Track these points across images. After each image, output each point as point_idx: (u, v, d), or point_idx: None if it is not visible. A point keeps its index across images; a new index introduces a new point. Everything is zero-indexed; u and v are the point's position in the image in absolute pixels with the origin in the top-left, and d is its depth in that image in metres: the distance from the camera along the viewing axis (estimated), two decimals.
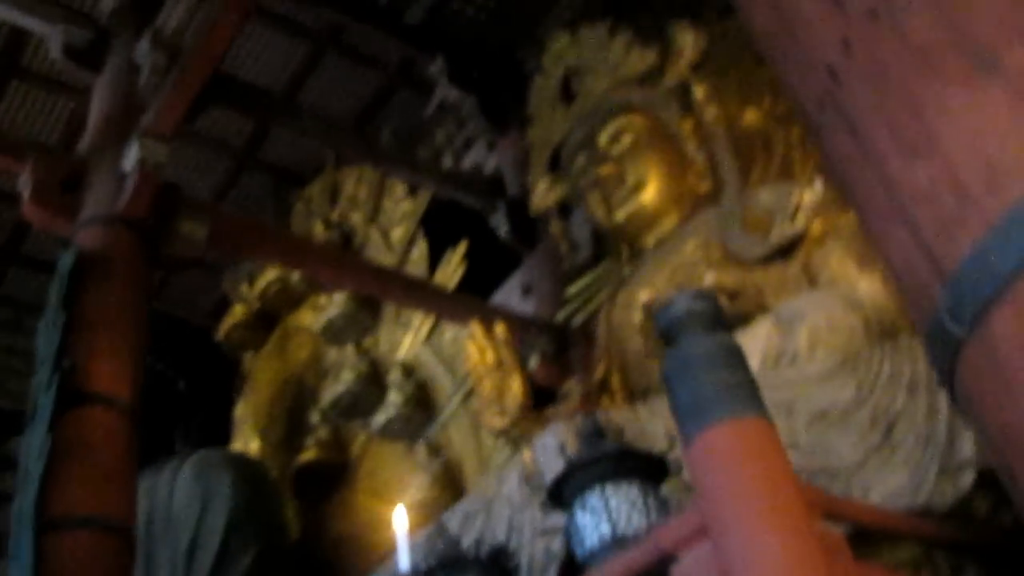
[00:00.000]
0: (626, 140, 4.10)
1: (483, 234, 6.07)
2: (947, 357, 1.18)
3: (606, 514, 1.86)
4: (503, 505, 2.47)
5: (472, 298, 5.25)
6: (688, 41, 4.11)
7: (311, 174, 7.80)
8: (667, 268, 3.86)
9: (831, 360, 2.55)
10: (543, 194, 4.51)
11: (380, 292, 4.99)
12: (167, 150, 4.25)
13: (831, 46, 1.37)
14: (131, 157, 4.18)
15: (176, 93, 4.26)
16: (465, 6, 6.08)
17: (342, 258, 5.01)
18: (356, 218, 7.20)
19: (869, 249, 3.54)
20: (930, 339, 1.22)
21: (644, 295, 3.36)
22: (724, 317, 1.55)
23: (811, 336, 2.75)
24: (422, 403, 6.28)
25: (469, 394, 6.08)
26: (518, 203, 5.73)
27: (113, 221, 4.10)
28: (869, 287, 3.42)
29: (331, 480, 6.49)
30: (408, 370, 6.41)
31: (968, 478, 2.17)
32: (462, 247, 6.10)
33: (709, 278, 3.17)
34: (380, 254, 6.97)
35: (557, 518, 2.24)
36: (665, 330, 1.57)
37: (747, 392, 1.44)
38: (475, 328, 3.88)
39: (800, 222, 3.46)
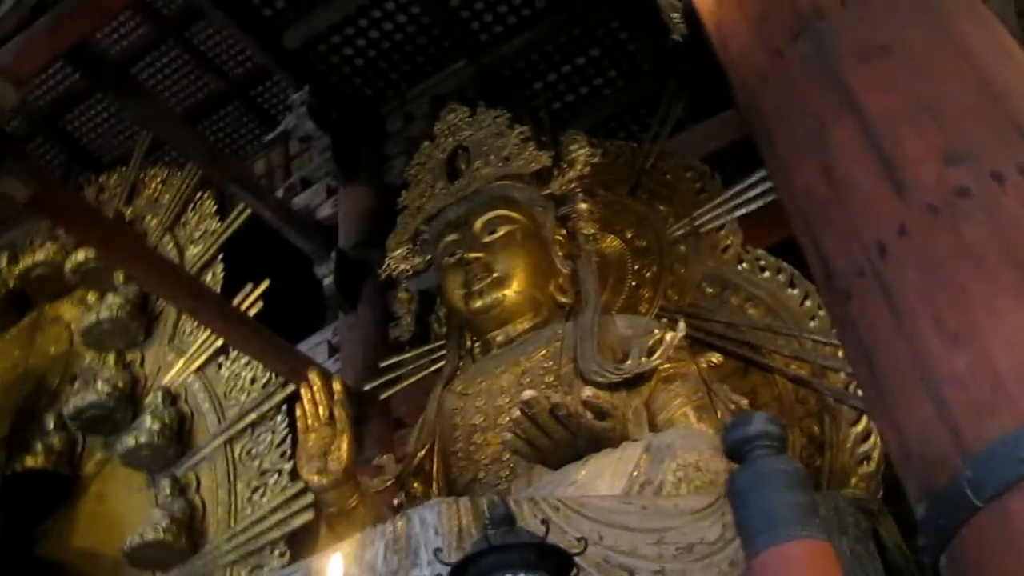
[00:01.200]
0: (502, 231, 4.27)
1: (285, 280, 6.03)
2: (954, 521, 1.41)
3: None
4: (363, 572, 2.50)
5: (285, 343, 5.21)
6: (582, 155, 4.39)
7: (109, 162, 7.52)
8: (515, 369, 4.02)
9: (702, 499, 2.79)
10: (399, 260, 4.60)
11: (192, 309, 4.85)
12: (17, 97, 4.06)
13: (885, 226, 1.61)
14: None
15: (47, 39, 4.09)
16: (344, 46, 6.17)
17: (161, 262, 4.84)
18: (152, 222, 6.92)
19: (708, 402, 3.88)
20: (938, 502, 1.44)
21: (521, 392, 3.48)
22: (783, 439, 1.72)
23: (680, 472, 2.99)
24: (178, 435, 6.05)
25: (234, 439, 5.93)
26: (349, 258, 5.79)
27: None
28: None
29: (51, 496, 6.08)
30: (171, 397, 6.18)
31: None
32: (263, 286, 6.02)
33: (586, 391, 3.35)
34: None
35: None
36: (735, 446, 1.72)
37: (814, 515, 1.61)
38: (314, 377, 3.88)
39: (657, 359, 3.74)
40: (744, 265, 4.52)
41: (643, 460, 3.02)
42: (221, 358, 6.21)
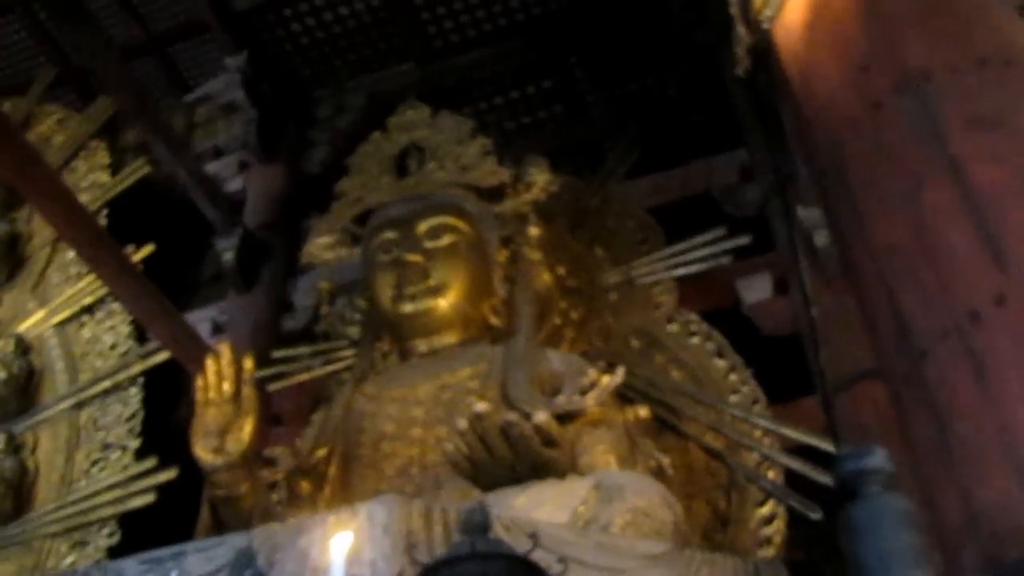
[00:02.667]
0: (445, 240, 4.21)
1: (167, 248, 5.79)
2: None
3: None
4: (295, 558, 2.38)
5: (175, 310, 4.96)
6: (541, 180, 4.37)
7: (2, 89, 7.10)
8: (436, 382, 3.94)
9: (656, 545, 2.76)
10: (322, 248, 4.47)
11: (90, 256, 4.56)
12: None
13: (981, 293, 1.64)
14: None
15: None
16: (293, 21, 6.02)
17: (69, 199, 4.57)
18: None
19: (629, 454, 3.87)
20: (1008, 574, 1.46)
21: (438, 407, 3.45)
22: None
23: (628, 515, 2.96)
24: (24, 390, 5.73)
25: (82, 405, 5.64)
26: (253, 238, 5.60)
27: None
28: None
29: None
30: (24, 347, 5.86)
31: None
32: (145, 250, 5.77)
33: (541, 416, 3.29)
34: None
35: None
36: (849, 477, 1.69)
37: (925, 556, 1.60)
38: (224, 349, 3.70)
39: (590, 400, 3.71)
40: (674, 326, 4.56)
41: (591, 496, 2.98)
42: (84, 317, 5.95)
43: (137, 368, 5.48)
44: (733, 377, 4.33)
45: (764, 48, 2.29)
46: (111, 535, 4.87)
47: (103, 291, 5.90)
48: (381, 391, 4.05)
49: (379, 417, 3.95)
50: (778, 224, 4.91)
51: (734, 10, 2.33)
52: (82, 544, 5.01)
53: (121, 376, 5.52)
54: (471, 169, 4.36)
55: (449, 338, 4.17)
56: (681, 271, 4.67)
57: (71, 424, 5.55)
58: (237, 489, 3.61)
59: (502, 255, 4.36)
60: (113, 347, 5.72)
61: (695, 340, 4.49)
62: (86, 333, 5.88)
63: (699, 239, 4.70)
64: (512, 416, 3.23)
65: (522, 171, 4.39)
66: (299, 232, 5.87)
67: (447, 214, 4.27)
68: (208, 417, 3.61)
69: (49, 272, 6.25)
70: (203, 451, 3.57)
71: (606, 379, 3.78)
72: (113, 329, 5.81)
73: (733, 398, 4.27)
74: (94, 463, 5.32)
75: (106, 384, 5.54)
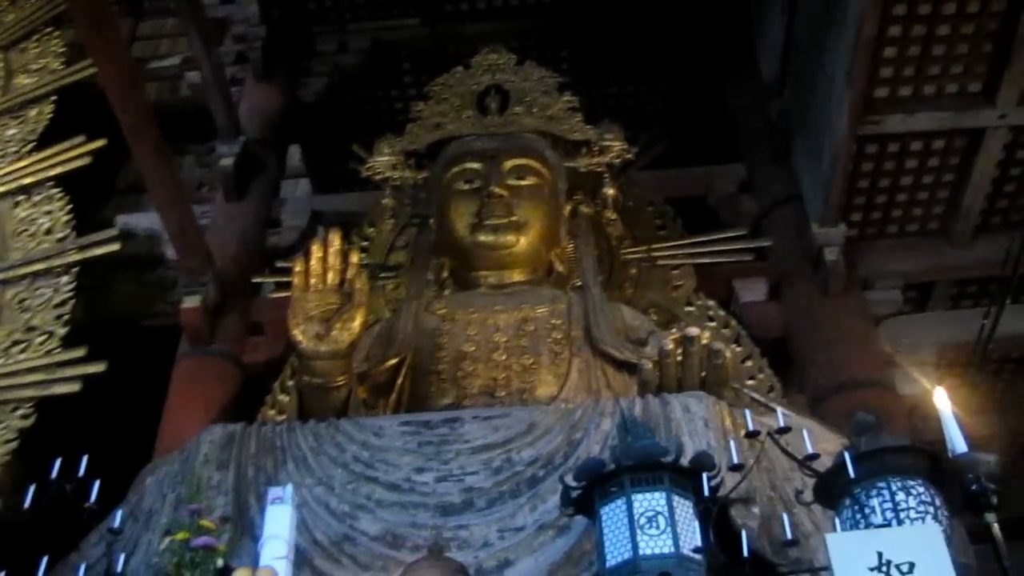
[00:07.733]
0: (530, 181, 4.08)
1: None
2: None
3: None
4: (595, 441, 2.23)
5: (187, 200, 4.54)
6: (617, 146, 4.33)
7: None
8: (517, 314, 3.79)
9: None
10: (386, 166, 4.25)
11: (130, 123, 4.07)
12: None
13: None
14: None
15: None
16: None
17: (127, 57, 4.11)
18: None
19: None
20: None
21: (521, 337, 3.50)
22: None
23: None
24: None
25: (8, 283, 5.09)
26: (250, 151, 5.27)
27: None
28: None
29: None
30: None
31: None
32: (92, 145, 5.32)
33: (728, 353, 3.28)
34: None
35: None
36: None
37: None
38: (333, 237, 3.47)
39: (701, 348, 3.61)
40: (692, 309, 4.58)
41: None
42: (20, 197, 5.45)
43: (72, 257, 5.07)
44: (750, 363, 4.39)
45: None
46: (25, 417, 4.41)
47: (44, 174, 5.48)
48: (454, 312, 3.87)
49: (457, 337, 3.76)
50: (775, 236, 5.05)
51: None
52: None
53: (56, 262, 5.08)
54: (557, 121, 4.28)
55: (518, 275, 4.05)
56: (702, 260, 4.72)
57: None
58: (335, 380, 3.38)
59: (566, 209, 4.30)
60: (48, 232, 5.28)
61: (712, 324, 4.52)
62: (20, 213, 5.40)
63: (721, 235, 4.80)
64: (718, 344, 3.21)
65: (600, 134, 4.35)
66: (287, 153, 5.59)
67: (533, 157, 4.16)
68: (310, 303, 3.37)
69: None
70: (305, 336, 3.32)
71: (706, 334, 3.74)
72: (50, 214, 5.35)
73: (750, 382, 4.33)
74: (15, 343, 4.83)
75: (38, 267, 5.08)
